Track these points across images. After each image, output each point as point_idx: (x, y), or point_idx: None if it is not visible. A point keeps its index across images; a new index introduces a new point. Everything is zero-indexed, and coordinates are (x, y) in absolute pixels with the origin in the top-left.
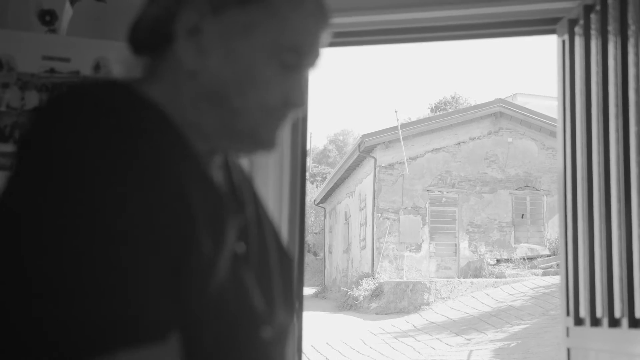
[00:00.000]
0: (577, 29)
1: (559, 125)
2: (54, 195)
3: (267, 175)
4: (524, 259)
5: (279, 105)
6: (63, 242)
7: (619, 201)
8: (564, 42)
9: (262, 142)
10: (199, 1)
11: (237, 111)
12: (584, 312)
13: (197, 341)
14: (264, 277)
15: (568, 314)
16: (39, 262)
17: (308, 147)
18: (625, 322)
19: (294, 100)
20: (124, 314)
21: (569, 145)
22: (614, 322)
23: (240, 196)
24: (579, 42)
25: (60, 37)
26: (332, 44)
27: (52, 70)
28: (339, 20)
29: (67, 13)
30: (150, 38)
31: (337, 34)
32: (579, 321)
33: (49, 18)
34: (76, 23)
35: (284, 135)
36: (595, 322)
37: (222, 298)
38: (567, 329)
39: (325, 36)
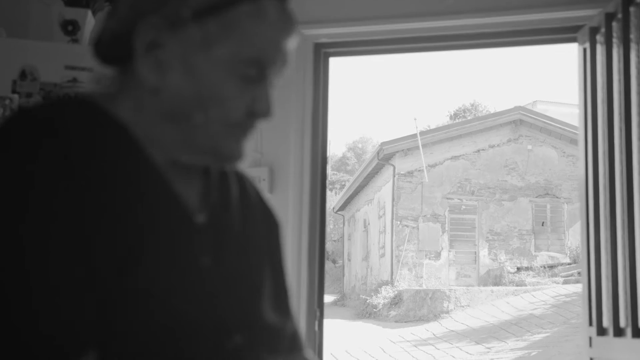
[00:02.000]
0: (599, 37)
1: (580, 133)
2: None
3: (287, 182)
4: (544, 267)
5: (242, 118)
6: None
7: None
8: (585, 50)
9: (225, 156)
10: (156, 16)
11: (199, 127)
12: (607, 321)
13: (145, 351)
14: (240, 288)
15: (591, 323)
16: None
17: (327, 154)
18: None
19: (258, 111)
20: (33, 331)
21: (591, 153)
22: (638, 332)
23: (215, 210)
24: (600, 50)
25: (82, 47)
26: (355, 53)
27: (74, 80)
28: (360, 29)
29: (89, 23)
30: (112, 52)
31: (360, 42)
32: (601, 331)
33: (71, 28)
34: None
35: (305, 142)
36: (619, 332)
37: (178, 307)
38: (590, 339)
39: (291, 43)
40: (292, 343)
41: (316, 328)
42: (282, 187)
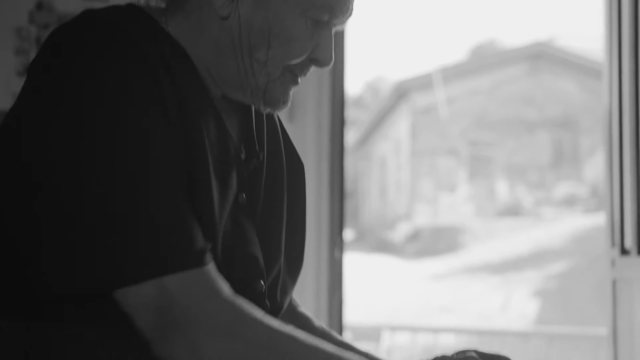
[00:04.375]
0: None
1: (605, 63)
2: (74, 126)
3: (305, 120)
4: (562, 200)
5: (303, 61)
6: (97, 173)
7: None
8: None
9: (273, 100)
10: None
11: (259, 63)
12: (630, 242)
13: None
14: (266, 231)
15: (613, 244)
16: (72, 194)
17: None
18: None
19: (321, 58)
20: (167, 239)
21: (616, 83)
22: None
23: (251, 145)
24: None
25: None
26: None
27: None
28: None
29: None
30: None
31: None
32: (624, 251)
33: None
34: None
35: (323, 80)
36: None
37: (223, 244)
38: (612, 260)
39: None
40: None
41: (337, 257)
42: (301, 125)
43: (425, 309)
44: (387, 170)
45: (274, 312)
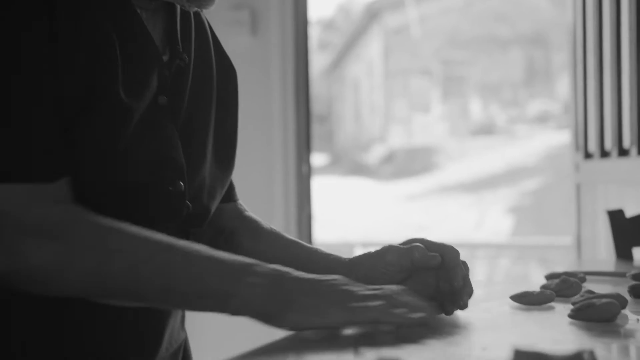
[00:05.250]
0: None
1: None
2: None
3: (269, 45)
4: (535, 117)
5: None
6: None
7: (630, 42)
8: None
9: None
10: None
11: None
12: (593, 145)
13: (96, 186)
14: (189, 135)
15: (577, 148)
16: None
17: (315, 16)
18: (634, 150)
19: None
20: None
21: None
22: (623, 152)
23: (176, 46)
24: None
25: None
26: None
27: None
28: None
29: None
30: None
31: None
32: (588, 155)
33: None
34: None
35: (286, 3)
36: (605, 154)
37: (133, 146)
38: (577, 164)
39: None
40: (227, 194)
41: (305, 171)
42: (264, 51)
43: (401, 229)
44: (361, 92)
45: (199, 215)
